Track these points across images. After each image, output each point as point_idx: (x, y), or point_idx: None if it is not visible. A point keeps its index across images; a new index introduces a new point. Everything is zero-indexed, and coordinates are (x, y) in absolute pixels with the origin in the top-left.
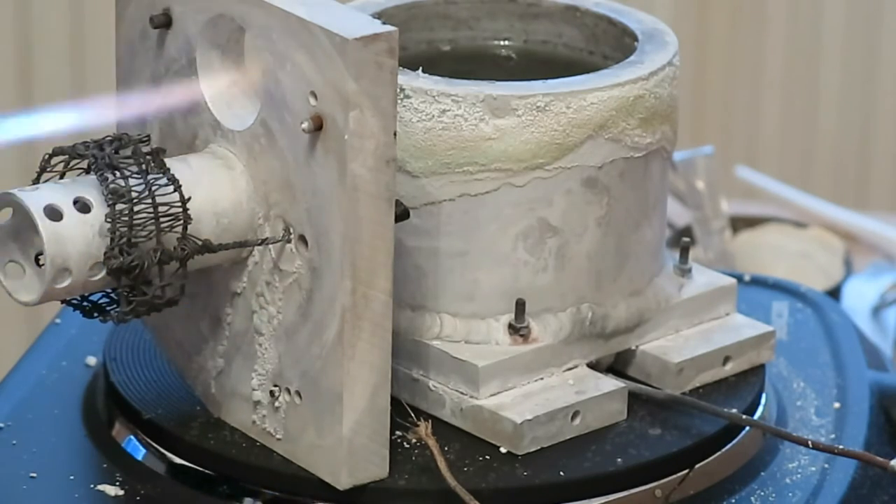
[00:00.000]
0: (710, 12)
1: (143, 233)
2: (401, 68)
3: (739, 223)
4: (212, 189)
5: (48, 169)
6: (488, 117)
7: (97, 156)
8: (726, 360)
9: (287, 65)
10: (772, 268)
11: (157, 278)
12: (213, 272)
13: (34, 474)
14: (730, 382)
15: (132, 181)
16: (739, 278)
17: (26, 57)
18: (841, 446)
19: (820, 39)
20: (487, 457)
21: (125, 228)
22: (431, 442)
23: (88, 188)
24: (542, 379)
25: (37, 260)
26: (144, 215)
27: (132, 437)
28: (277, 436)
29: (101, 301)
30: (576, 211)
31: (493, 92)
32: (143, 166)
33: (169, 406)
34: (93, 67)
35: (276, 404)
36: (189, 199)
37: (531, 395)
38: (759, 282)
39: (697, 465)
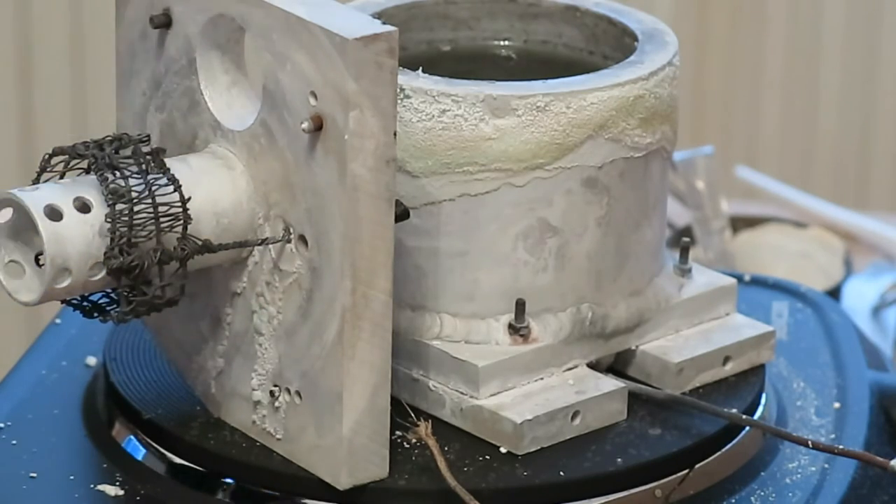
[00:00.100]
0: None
1: (143, 233)
2: (401, 68)
3: (739, 223)
4: (212, 189)
5: (48, 169)
6: (488, 117)
7: (97, 156)
8: (726, 360)
9: (287, 65)
10: (772, 268)
11: (157, 278)
12: (213, 272)
13: (34, 474)
14: (730, 382)
15: (132, 181)
16: (739, 278)
17: (26, 57)
18: (841, 446)
19: (820, 39)
20: (487, 457)
21: (125, 228)
22: (431, 442)
23: (88, 188)
24: (542, 379)
25: (37, 260)
26: (144, 215)
27: (132, 437)
28: (277, 436)
29: (101, 301)
30: (576, 211)
31: (493, 92)
32: (143, 166)
33: (169, 406)
34: (93, 67)
35: (276, 404)
36: (189, 199)
37: (531, 395)
38: (759, 282)
39: (697, 465)
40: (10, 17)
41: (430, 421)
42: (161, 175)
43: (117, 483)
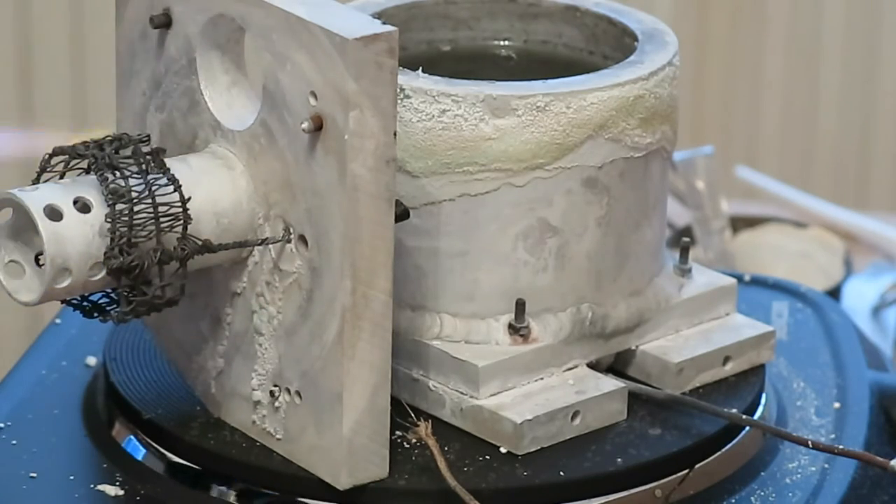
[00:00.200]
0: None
1: (143, 233)
2: (401, 68)
3: (739, 223)
4: (212, 189)
5: (48, 169)
6: (488, 117)
7: (97, 156)
8: (726, 360)
9: (287, 65)
10: (772, 268)
11: (157, 278)
12: (213, 272)
13: (34, 474)
14: (730, 382)
15: (132, 181)
16: (739, 278)
17: (26, 57)
18: (841, 446)
19: (820, 39)
20: (487, 457)
21: (125, 228)
22: (431, 442)
23: (88, 188)
24: (542, 379)
25: (37, 260)
26: (144, 215)
27: (132, 437)
28: (277, 436)
29: (101, 301)
30: (576, 211)
31: (493, 92)
32: (143, 166)
33: (169, 406)
34: (93, 67)
35: (276, 404)
36: (189, 199)
37: (531, 395)
38: (759, 282)
39: (697, 465)
40: (10, 17)
41: (430, 421)
42: (161, 175)
43: (117, 483)
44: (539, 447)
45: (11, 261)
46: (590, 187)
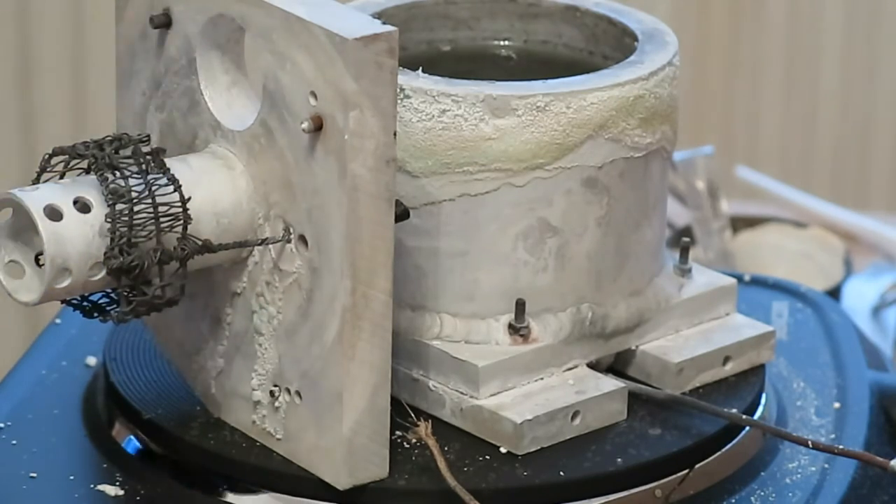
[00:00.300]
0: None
1: (143, 233)
2: (401, 68)
3: (739, 223)
4: (212, 189)
5: (48, 169)
6: (488, 117)
7: (97, 156)
8: (726, 360)
9: (287, 65)
10: (772, 268)
11: (157, 278)
12: (213, 272)
13: (34, 474)
14: (730, 382)
15: (132, 181)
16: (739, 278)
17: (26, 57)
18: (841, 446)
19: (820, 39)
20: (487, 457)
21: (125, 228)
22: (431, 442)
23: (88, 188)
24: (542, 379)
25: (37, 260)
26: (144, 215)
27: (132, 437)
28: (277, 436)
29: (101, 301)
30: (576, 211)
31: (493, 92)
32: (143, 166)
33: (169, 406)
34: (93, 67)
35: (276, 404)
36: (189, 199)
37: (531, 395)
38: (759, 282)
39: (697, 465)
40: (11, 17)
41: (430, 421)
42: (161, 175)
43: (117, 483)
44: (539, 447)
45: (11, 261)
46: (590, 187)
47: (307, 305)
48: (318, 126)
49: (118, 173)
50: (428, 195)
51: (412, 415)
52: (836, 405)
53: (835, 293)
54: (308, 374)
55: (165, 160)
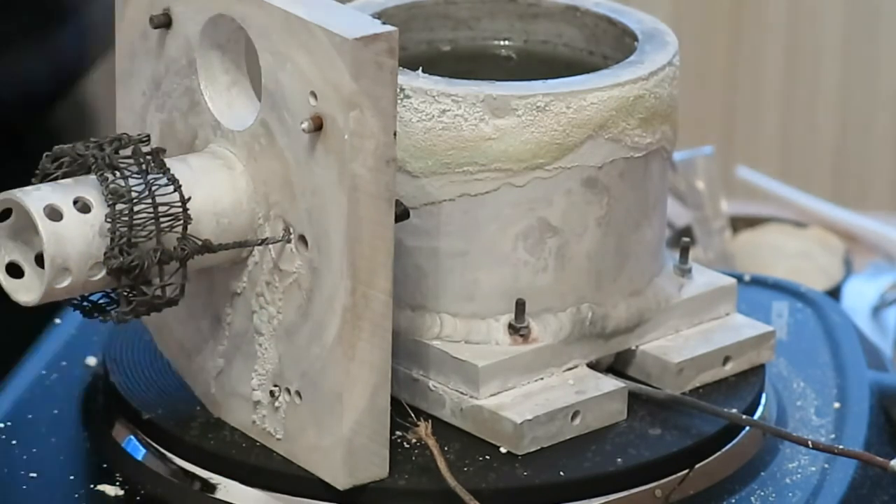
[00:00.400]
0: (710, 12)
1: (143, 233)
2: (401, 68)
3: (739, 223)
4: (212, 189)
5: (48, 169)
6: (488, 117)
7: (97, 156)
8: (726, 360)
9: (287, 65)
10: (772, 268)
11: (157, 278)
12: (213, 272)
13: (34, 474)
14: (730, 382)
15: (132, 181)
16: (739, 278)
17: None
18: (841, 446)
19: (820, 40)
20: (487, 457)
21: (125, 228)
22: (431, 442)
23: (88, 188)
24: (542, 379)
25: (37, 260)
26: (144, 215)
27: (132, 437)
28: (277, 436)
29: (101, 301)
30: (576, 211)
31: (493, 92)
32: (143, 166)
33: (169, 406)
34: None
35: (276, 404)
36: (189, 199)
37: (531, 395)
38: (759, 282)
39: (697, 465)
40: None
41: (430, 421)
42: (161, 175)
43: (117, 483)
44: (539, 447)
45: (11, 261)
46: (590, 187)
47: (307, 305)
48: (318, 126)
49: (118, 173)
50: (428, 195)
51: (412, 415)
52: (836, 405)
53: (835, 293)
54: (308, 374)
55: (165, 160)
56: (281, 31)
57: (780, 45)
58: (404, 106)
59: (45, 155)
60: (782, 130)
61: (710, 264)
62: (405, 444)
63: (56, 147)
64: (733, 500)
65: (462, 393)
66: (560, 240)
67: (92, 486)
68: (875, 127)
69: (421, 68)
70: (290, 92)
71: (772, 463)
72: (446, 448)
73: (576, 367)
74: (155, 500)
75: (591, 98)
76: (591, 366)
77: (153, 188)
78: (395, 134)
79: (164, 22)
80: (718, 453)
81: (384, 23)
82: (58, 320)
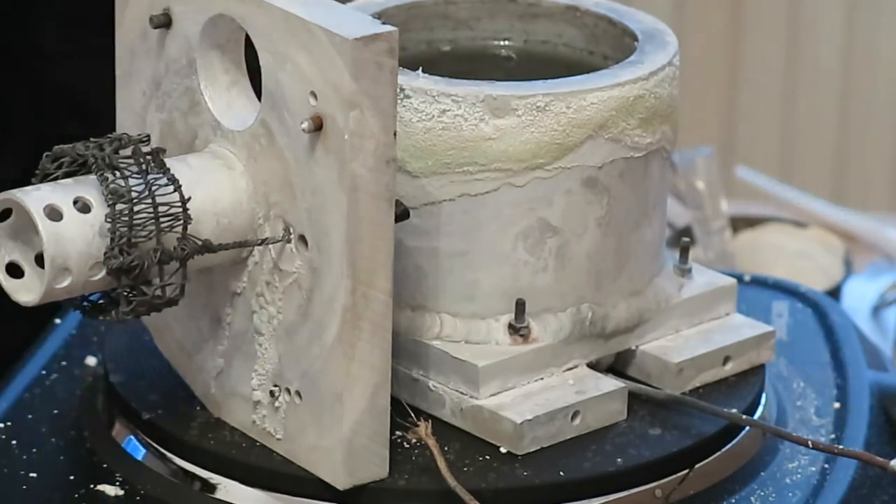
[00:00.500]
0: (710, 12)
1: (143, 233)
2: (401, 68)
3: (739, 223)
4: (212, 189)
5: (48, 169)
6: (488, 117)
7: (97, 156)
8: (726, 360)
9: (287, 65)
10: (772, 268)
11: (157, 278)
12: (213, 272)
13: (34, 474)
14: (730, 382)
15: (132, 181)
16: (739, 278)
17: None
18: (841, 446)
19: (820, 40)
20: (487, 457)
21: (125, 228)
22: (431, 442)
23: (88, 188)
24: (542, 379)
25: (37, 260)
26: (144, 215)
27: (132, 437)
28: (277, 436)
29: (101, 301)
30: (576, 211)
31: (493, 92)
32: (143, 166)
33: (169, 406)
34: None
35: (276, 404)
36: (189, 199)
37: (531, 395)
38: (759, 282)
39: (697, 465)
40: None
41: (430, 421)
42: (161, 175)
43: (117, 483)
44: (539, 447)
45: (11, 261)
46: (590, 187)
47: (307, 305)
48: (318, 126)
49: (118, 173)
50: (428, 195)
51: (412, 415)
52: (836, 405)
53: (835, 293)
54: (308, 374)
55: (165, 160)
56: (281, 31)
57: (780, 45)
58: (404, 106)
59: (45, 155)
60: (782, 130)
61: (710, 264)
62: (405, 444)
63: (56, 147)
64: (733, 500)
65: (462, 393)
66: (560, 240)
67: (92, 486)
68: (875, 127)
69: (421, 68)
70: (290, 92)
71: (772, 463)
72: (446, 448)
73: (576, 367)
74: (155, 500)
75: (591, 98)
76: (591, 366)
77: (153, 188)
78: (395, 134)
79: (164, 22)
80: (718, 453)
81: (384, 23)
82: (58, 320)
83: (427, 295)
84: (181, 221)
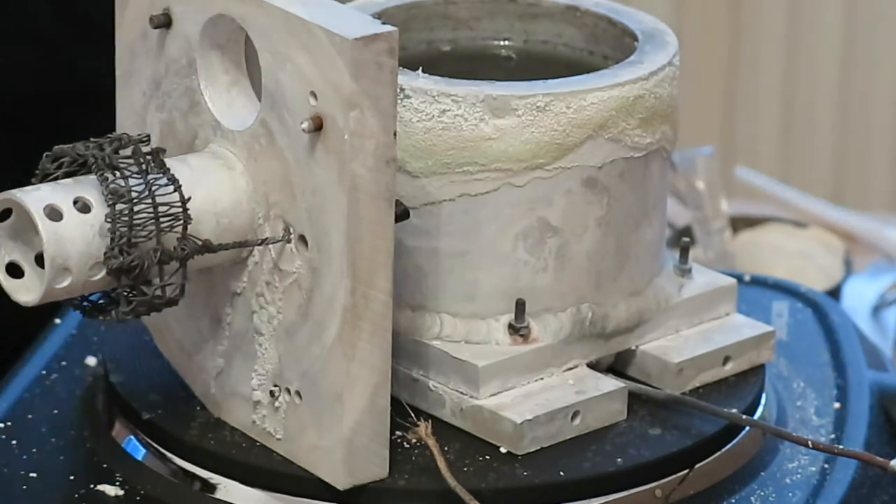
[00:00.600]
0: (711, 12)
1: (143, 233)
2: (401, 68)
3: (739, 223)
4: (212, 189)
5: (48, 169)
6: (488, 117)
7: (97, 156)
8: (726, 360)
9: (287, 65)
10: (772, 268)
11: (157, 278)
12: (213, 272)
13: (34, 474)
14: (730, 382)
15: (132, 181)
16: (739, 278)
17: None
18: (841, 446)
19: (820, 40)
20: (487, 457)
21: (125, 228)
22: (431, 442)
23: (88, 188)
24: (542, 379)
25: (37, 260)
26: (144, 215)
27: (132, 437)
28: (277, 436)
29: (101, 301)
30: (576, 211)
31: (493, 92)
32: (143, 166)
33: (169, 406)
34: None
35: (276, 404)
36: (189, 199)
37: (531, 395)
38: (759, 282)
39: (697, 465)
40: None
41: (430, 421)
42: (161, 175)
43: (117, 483)
44: (539, 447)
45: (11, 261)
46: (590, 187)
47: (307, 305)
48: (318, 126)
49: (118, 173)
50: (428, 195)
51: (412, 415)
52: (836, 405)
53: (835, 293)
54: (308, 374)
55: (165, 160)
56: (281, 31)
57: (780, 45)
58: (404, 106)
59: (45, 155)
60: (782, 130)
61: (710, 264)
62: (405, 444)
63: (56, 147)
64: (733, 500)
65: (462, 393)
66: (560, 240)
67: (92, 486)
68: (875, 127)
69: (421, 68)
70: (290, 92)
71: (772, 463)
72: (446, 448)
73: (576, 367)
74: (155, 500)
75: (591, 98)
76: (591, 366)
77: (153, 188)
78: (395, 134)
79: (164, 22)
80: (718, 453)
81: (384, 23)
82: (58, 320)
83: (427, 295)
84: (181, 221)
